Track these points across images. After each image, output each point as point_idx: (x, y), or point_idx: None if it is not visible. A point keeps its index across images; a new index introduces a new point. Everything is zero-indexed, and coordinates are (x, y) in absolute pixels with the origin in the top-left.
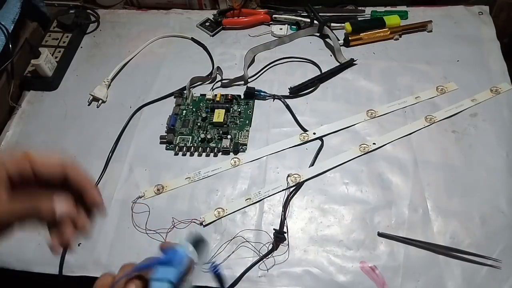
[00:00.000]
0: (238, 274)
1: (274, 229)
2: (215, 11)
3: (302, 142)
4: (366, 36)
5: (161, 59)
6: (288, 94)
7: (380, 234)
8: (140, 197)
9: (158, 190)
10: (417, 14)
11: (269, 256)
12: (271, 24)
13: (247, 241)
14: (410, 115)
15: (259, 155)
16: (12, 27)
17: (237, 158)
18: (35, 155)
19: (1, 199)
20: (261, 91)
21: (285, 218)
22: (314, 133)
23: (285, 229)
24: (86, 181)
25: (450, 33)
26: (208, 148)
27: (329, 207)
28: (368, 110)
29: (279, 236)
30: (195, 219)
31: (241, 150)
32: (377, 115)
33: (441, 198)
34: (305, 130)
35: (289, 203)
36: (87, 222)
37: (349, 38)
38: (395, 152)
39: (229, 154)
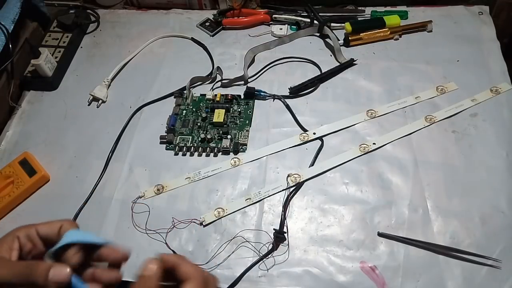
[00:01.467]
0: (238, 274)
1: (274, 229)
2: (215, 11)
3: (302, 142)
4: (366, 36)
5: (161, 59)
6: (288, 94)
7: (380, 234)
8: (140, 197)
9: (158, 190)
10: (417, 14)
11: (269, 256)
12: (271, 24)
13: (247, 241)
14: (410, 115)
15: (259, 155)
16: (12, 27)
17: (237, 158)
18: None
19: (8, 260)
20: (261, 91)
21: (285, 218)
22: (314, 133)
23: (285, 229)
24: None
25: (450, 33)
26: (208, 148)
27: (329, 207)
28: (368, 110)
29: (279, 236)
30: (195, 219)
31: (241, 150)
32: (377, 115)
33: (441, 198)
34: (305, 130)
35: (289, 203)
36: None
37: (349, 38)
38: (395, 152)
39: (229, 154)
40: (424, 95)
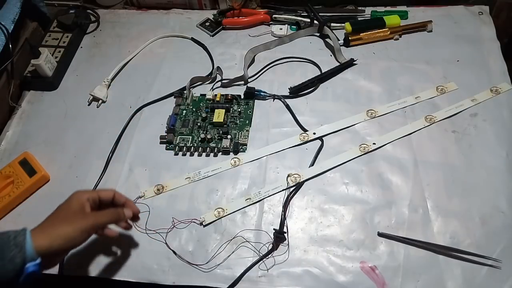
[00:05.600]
0: (238, 274)
1: (274, 229)
2: (215, 11)
3: (302, 142)
4: (366, 36)
5: (161, 59)
6: (288, 94)
7: (380, 234)
8: (140, 197)
9: (158, 190)
10: (417, 14)
11: (269, 256)
12: (271, 24)
13: (247, 241)
14: (410, 115)
15: (259, 155)
16: (12, 27)
17: (237, 158)
18: (100, 191)
19: (102, 211)
20: (261, 91)
21: (285, 218)
22: (314, 133)
23: (285, 229)
24: (126, 199)
25: (450, 33)
26: (208, 148)
27: (329, 207)
28: (368, 110)
29: (279, 236)
30: (195, 219)
31: (241, 150)
32: (377, 115)
33: (441, 198)
34: (305, 130)
35: (289, 203)
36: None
37: (349, 38)
38: (395, 152)
39: (229, 154)
40: (424, 95)
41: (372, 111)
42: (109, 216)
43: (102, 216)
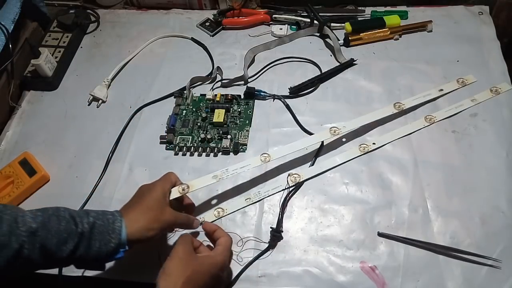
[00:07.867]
0: (236, 274)
1: (271, 227)
2: (215, 11)
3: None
4: (366, 36)
5: (161, 59)
6: (288, 94)
7: (380, 234)
8: None
9: (183, 190)
10: (417, 14)
11: (267, 255)
12: (271, 24)
13: (247, 241)
14: (410, 115)
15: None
16: (12, 27)
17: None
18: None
19: (178, 212)
20: (261, 91)
21: (282, 217)
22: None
23: (282, 228)
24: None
25: (450, 33)
26: (208, 148)
27: (329, 207)
28: (395, 103)
29: (276, 235)
30: (195, 219)
31: (241, 150)
32: (404, 108)
33: (441, 198)
34: (305, 131)
35: (287, 203)
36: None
37: (349, 38)
38: (395, 152)
39: (229, 154)
40: (446, 87)
41: (400, 104)
42: (184, 221)
43: (179, 219)
